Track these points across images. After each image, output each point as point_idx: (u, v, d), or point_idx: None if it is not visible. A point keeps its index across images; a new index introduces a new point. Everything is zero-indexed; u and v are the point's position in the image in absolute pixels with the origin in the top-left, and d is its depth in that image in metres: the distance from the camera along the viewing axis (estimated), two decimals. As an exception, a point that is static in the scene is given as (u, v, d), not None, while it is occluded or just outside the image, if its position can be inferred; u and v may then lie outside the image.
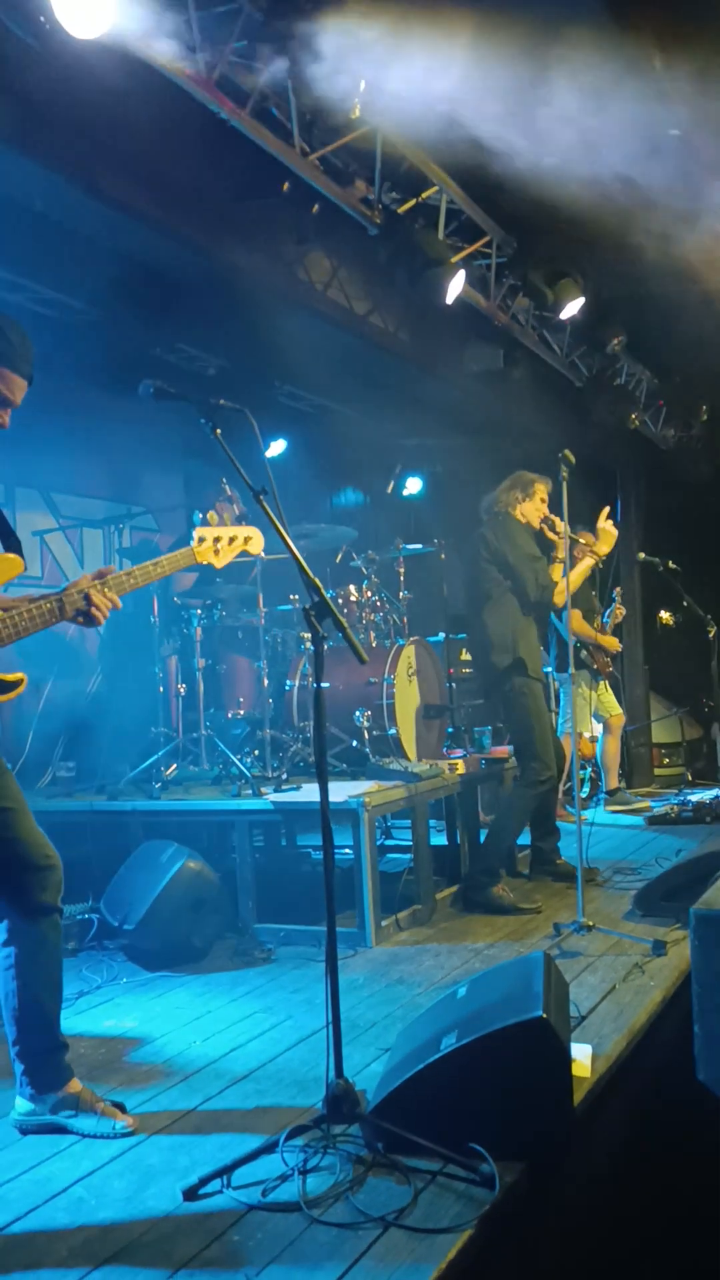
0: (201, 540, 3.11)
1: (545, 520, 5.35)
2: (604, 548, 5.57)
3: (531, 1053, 2.55)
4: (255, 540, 3.19)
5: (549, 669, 7.64)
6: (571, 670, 6.68)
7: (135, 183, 4.61)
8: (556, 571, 5.24)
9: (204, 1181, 2.43)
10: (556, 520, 5.23)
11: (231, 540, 3.16)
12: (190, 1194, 2.41)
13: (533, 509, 5.36)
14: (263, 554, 5.29)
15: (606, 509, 6.39)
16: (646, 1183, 3.30)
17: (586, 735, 8.13)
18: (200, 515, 3.22)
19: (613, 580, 9.12)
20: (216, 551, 3.13)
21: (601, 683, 7.65)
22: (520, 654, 5.20)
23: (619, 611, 8.01)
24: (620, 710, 7.89)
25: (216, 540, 3.12)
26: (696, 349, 8.86)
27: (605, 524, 5.55)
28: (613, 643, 7.64)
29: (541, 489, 5.39)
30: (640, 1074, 3.35)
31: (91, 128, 4.38)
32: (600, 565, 7.67)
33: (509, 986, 2.84)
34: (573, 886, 4.74)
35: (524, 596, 5.24)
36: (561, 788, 7.65)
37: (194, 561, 3.11)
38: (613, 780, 7.97)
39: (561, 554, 5.06)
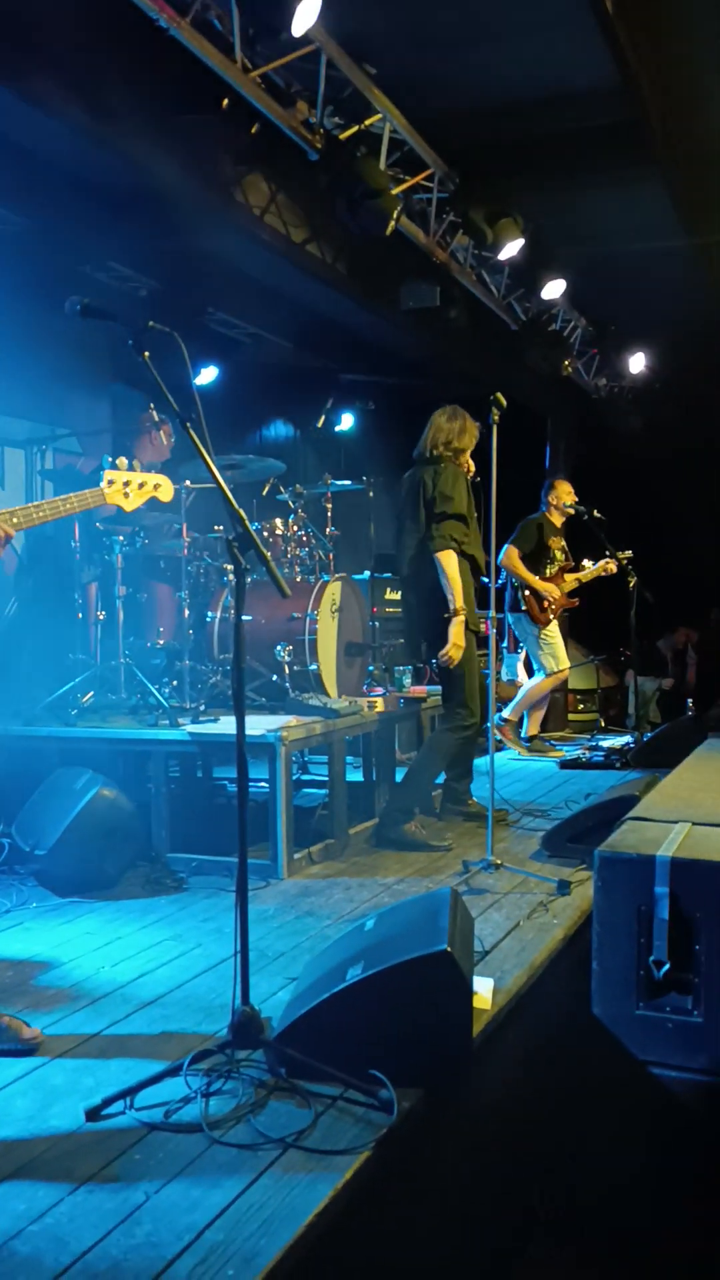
0: (111, 483, 3.19)
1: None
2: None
3: (434, 985, 2.61)
4: (165, 488, 3.30)
5: (505, 615, 7.71)
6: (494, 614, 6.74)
7: (66, 87, 4.43)
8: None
9: (107, 1102, 2.46)
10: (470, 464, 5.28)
11: (141, 485, 3.24)
12: (93, 1114, 2.44)
13: (469, 444, 5.35)
14: (189, 483, 5.22)
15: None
16: (539, 1110, 3.43)
17: (505, 679, 8.25)
18: (110, 459, 3.25)
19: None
20: (126, 495, 3.21)
21: (548, 629, 7.71)
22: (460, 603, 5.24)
23: (608, 566, 7.91)
24: (568, 664, 7.98)
25: (126, 484, 3.20)
26: (634, 299, 8.92)
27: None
28: (550, 589, 7.69)
29: (473, 428, 5.35)
30: (539, 1007, 3.46)
31: (19, 23, 4.18)
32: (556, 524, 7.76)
33: (415, 920, 2.90)
34: (483, 826, 4.84)
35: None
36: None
37: (103, 502, 3.16)
38: (534, 727, 8.10)
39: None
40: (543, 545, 7.69)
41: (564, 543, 7.91)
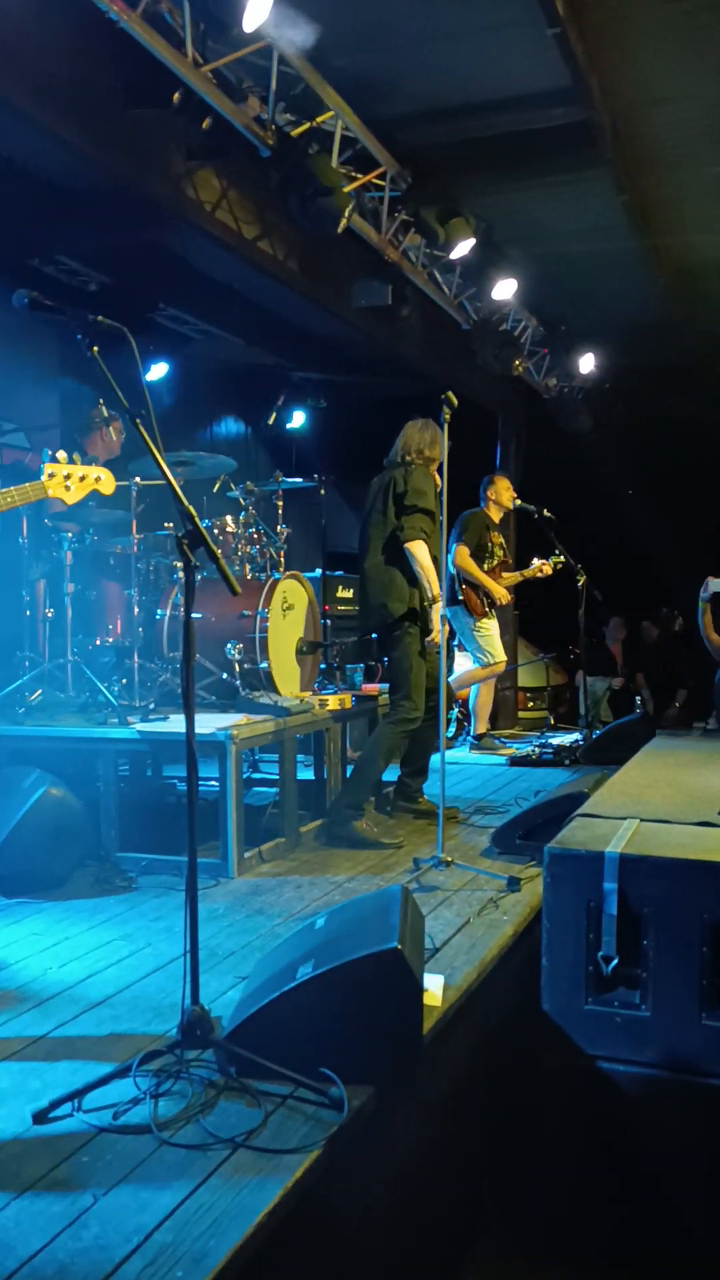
0: (51, 475, 3.19)
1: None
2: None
3: (385, 982, 2.61)
4: (106, 481, 3.31)
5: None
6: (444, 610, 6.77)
7: (14, 76, 4.38)
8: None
9: (54, 1105, 2.43)
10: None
11: (83, 478, 3.25)
12: (40, 1117, 2.41)
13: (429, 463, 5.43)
14: (139, 480, 5.19)
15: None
16: (489, 1106, 3.45)
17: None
18: (50, 453, 3.24)
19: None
20: (67, 488, 3.21)
21: (483, 621, 7.75)
22: (413, 604, 5.31)
23: (544, 568, 8.01)
24: (504, 657, 8.04)
25: (67, 477, 3.20)
26: (584, 300, 9.00)
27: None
28: (501, 594, 7.73)
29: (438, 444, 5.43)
30: (489, 1004, 3.48)
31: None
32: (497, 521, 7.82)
33: (366, 918, 2.90)
34: (433, 823, 4.85)
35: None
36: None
37: (45, 495, 3.18)
38: (482, 725, 8.14)
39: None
40: (482, 542, 7.74)
41: (502, 539, 7.95)
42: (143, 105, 4.87)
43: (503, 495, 7.84)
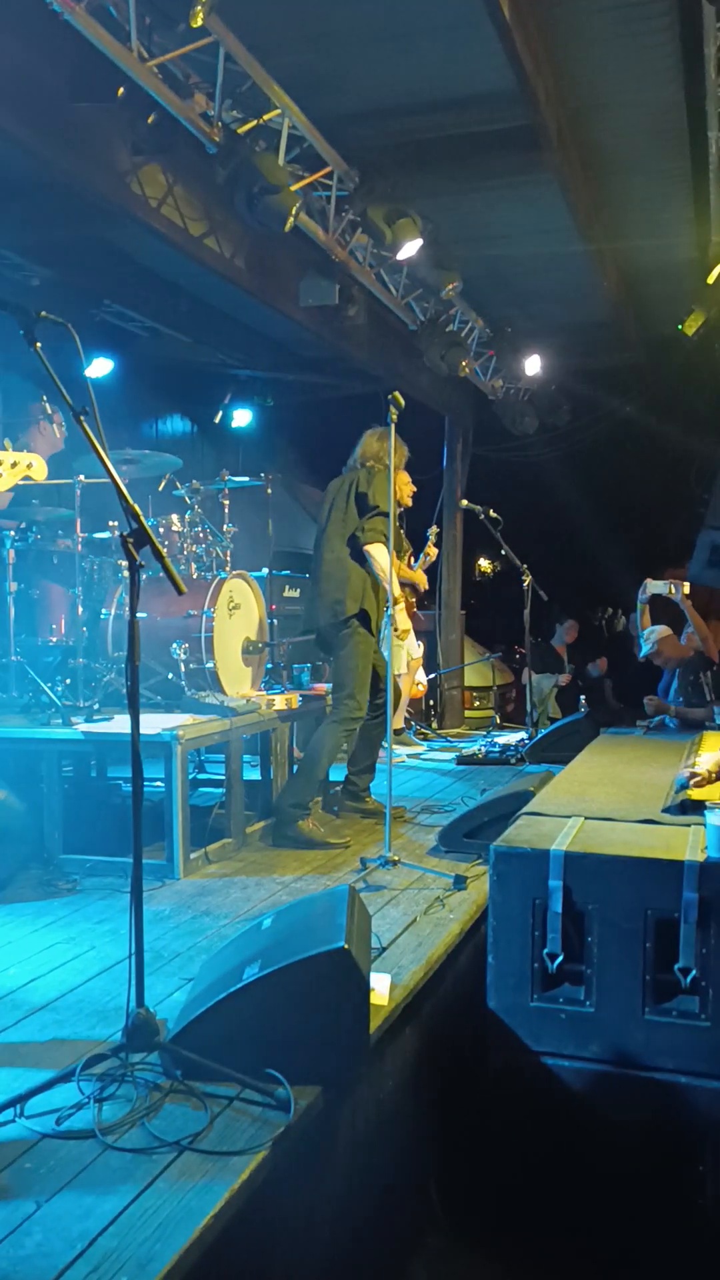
0: None
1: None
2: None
3: (332, 982, 2.61)
4: (38, 467, 3.28)
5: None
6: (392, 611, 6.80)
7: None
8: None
9: (-4, 1111, 2.40)
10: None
11: (14, 464, 3.21)
12: (-19, 1124, 2.38)
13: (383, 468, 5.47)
14: (82, 478, 5.14)
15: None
16: (436, 1104, 3.46)
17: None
18: None
19: (434, 521, 9.31)
20: None
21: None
22: (365, 605, 5.33)
23: (430, 552, 8.18)
24: (419, 653, 8.12)
25: None
26: (530, 302, 9.07)
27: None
28: (421, 579, 7.81)
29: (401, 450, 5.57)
30: (436, 1002, 3.49)
31: None
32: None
33: (313, 918, 2.90)
34: (380, 823, 4.86)
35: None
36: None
37: None
38: (398, 720, 8.18)
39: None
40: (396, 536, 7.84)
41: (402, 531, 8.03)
42: (87, 99, 4.81)
43: (403, 489, 7.96)
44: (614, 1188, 3.18)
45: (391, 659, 5.01)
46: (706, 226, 7.32)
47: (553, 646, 11.03)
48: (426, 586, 7.98)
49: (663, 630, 6.90)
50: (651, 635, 6.92)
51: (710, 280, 7.07)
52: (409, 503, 5.99)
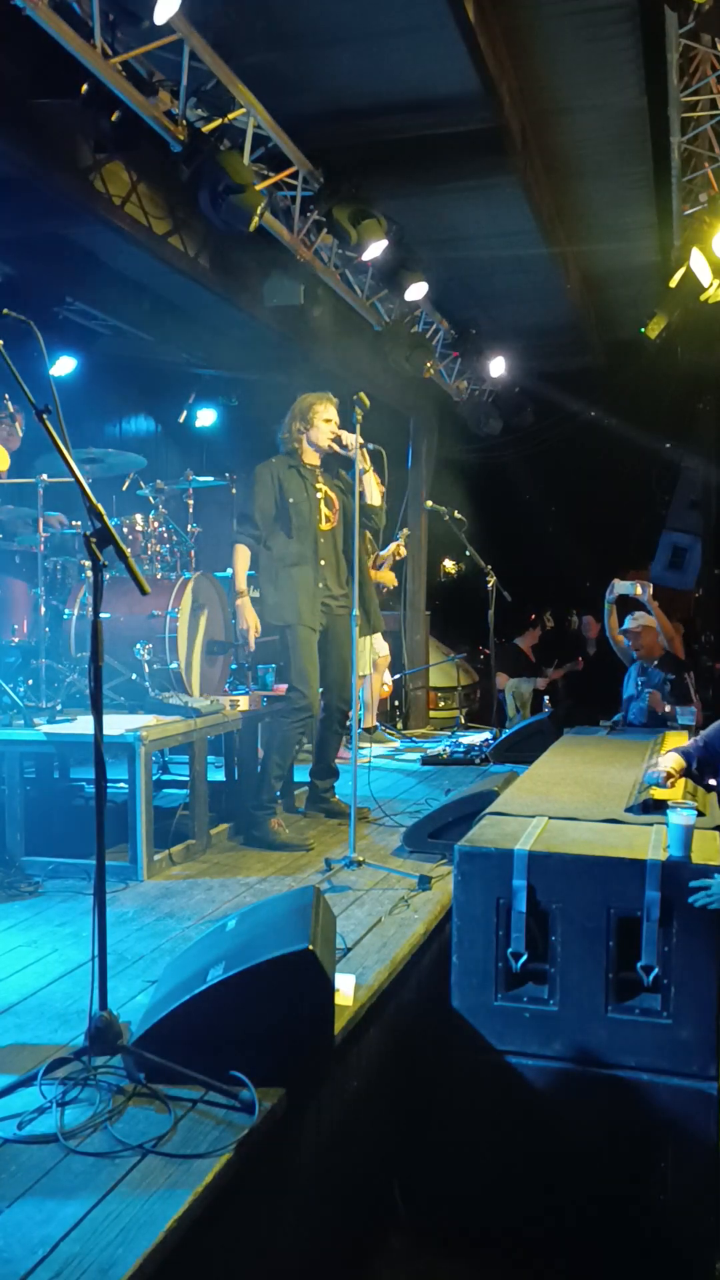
0: None
1: (334, 440, 5.29)
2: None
3: (296, 984, 2.61)
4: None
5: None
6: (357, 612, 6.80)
7: None
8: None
9: (-43, 1117, 2.38)
10: (344, 435, 5.22)
11: None
12: (-58, 1130, 2.35)
13: (320, 434, 5.31)
14: (45, 477, 5.10)
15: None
16: (401, 1104, 3.46)
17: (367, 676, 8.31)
18: None
19: (400, 523, 9.33)
20: None
21: None
22: (300, 598, 5.26)
23: (399, 550, 8.21)
24: (386, 651, 8.14)
25: None
26: (495, 304, 9.11)
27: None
28: (389, 578, 7.83)
29: (322, 408, 5.31)
30: (400, 1002, 3.50)
31: None
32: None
33: (278, 919, 2.89)
34: (345, 823, 4.86)
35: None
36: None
37: None
38: (370, 718, 8.19)
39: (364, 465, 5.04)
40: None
41: (369, 534, 8.04)
42: (50, 95, 4.78)
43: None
44: (576, 1185, 3.20)
45: (356, 658, 5.00)
46: (669, 231, 7.39)
47: (518, 647, 11.07)
48: (395, 583, 7.99)
49: (649, 619, 6.86)
50: (638, 619, 6.87)
51: (672, 284, 7.13)
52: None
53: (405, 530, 8.66)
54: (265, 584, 5.28)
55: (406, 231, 7.08)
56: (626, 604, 7.01)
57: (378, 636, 7.92)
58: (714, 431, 11.40)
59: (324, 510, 5.34)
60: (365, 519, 5.17)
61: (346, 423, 5.14)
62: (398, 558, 8.24)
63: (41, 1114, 2.42)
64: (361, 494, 5.04)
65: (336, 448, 5.25)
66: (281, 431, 5.39)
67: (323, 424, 5.28)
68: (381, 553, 8.12)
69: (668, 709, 6.54)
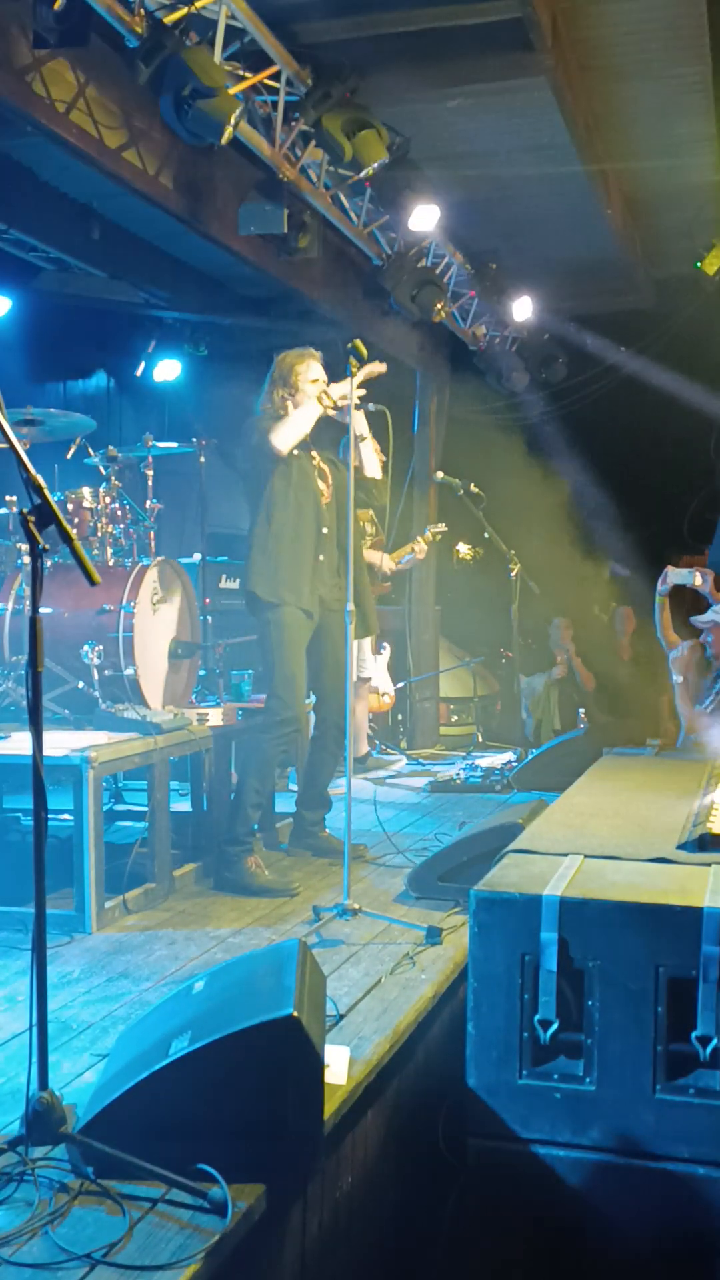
0: None
1: (330, 404, 5.30)
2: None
3: (278, 1058, 2.62)
4: None
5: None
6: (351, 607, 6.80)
7: None
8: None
9: None
10: (332, 390, 5.24)
11: None
12: None
13: (306, 398, 5.33)
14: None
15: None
16: (404, 1203, 3.47)
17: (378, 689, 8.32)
18: None
19: (405, 503, 9.32)
20: None
21: None
22: (290, 583, 5.28)
23: (420, 546, 8.14)
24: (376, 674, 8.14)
25: None
26: (520, 234, 9.11)
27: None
28: (386, 562, 7.82)
29: (304, 368, 5.34)
30: (404, 1080, 3.50)
31: None
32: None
33: (255, 980, 2.90)
34: (337, 864, 4.87)
35: None
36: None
37: None
38: (362, 745, 8.15)
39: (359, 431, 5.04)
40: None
41: (372, 514, 8.02)
42: (-22, -22, 4.79)
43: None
44: (618, 1301, 3.20)
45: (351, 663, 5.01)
46: (731, 144, 7.41)
47: (549, 650, 11.08)
48: (394, 568, 7.97)
49: None
50: (717, 613, 6.80)
51: (734, 209, 7.16)
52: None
53: (441, 526, 8.54)
54: (256, 552, 5.31)
55: (413, 145, 7.08)
56: (682, 596, 7.00)
57: (367, 651, 7.91)
58: (785, 387, 11.43)
59: (318, 485, 5.36)
60: (363, 495, 5.17)
61: (340, 379, 5.15)
62: (419, 557, 8.16)
63: (-32, 1216, 2.43)
64: (359, 466, 5.04)
65: (334, 414, 5.27)
66: (262, 401, 5.40)
67: (309, 385, 5.30)
68: (397, 551, 8.09)
69: None
